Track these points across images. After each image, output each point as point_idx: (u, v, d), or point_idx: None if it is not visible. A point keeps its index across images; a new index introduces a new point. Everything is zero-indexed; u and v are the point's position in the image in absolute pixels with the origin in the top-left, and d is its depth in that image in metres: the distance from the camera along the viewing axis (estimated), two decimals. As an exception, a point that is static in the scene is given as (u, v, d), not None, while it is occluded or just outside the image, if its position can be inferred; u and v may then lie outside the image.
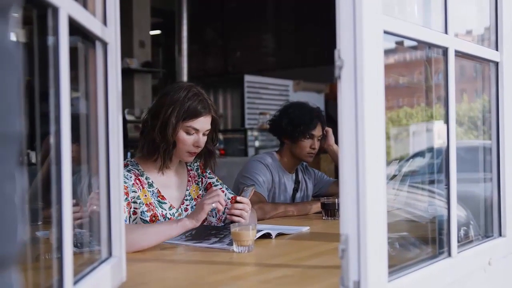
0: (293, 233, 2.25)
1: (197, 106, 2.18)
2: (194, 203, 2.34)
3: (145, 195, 2.18)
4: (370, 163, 1.16)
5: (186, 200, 2.33)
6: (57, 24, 1.00)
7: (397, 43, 1.46)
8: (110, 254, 1.37)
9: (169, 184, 2.29)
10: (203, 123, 2.21)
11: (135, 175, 2.17)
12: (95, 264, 1.29)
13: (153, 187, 2.22)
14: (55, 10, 1.00)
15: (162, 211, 2.20)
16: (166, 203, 2.23)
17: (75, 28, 1.12)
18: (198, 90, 2.24)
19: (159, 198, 2.22)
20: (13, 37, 0.54)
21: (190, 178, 2.38)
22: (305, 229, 2.34)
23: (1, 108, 0.51)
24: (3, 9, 0.52)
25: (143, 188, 2.18)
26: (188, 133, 2.19)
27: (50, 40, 1.01)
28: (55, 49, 1.01)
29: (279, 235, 2.17)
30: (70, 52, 1.05)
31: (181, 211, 2.29)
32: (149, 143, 2.20)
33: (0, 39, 0.51)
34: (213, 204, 1.98)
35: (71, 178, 1.03)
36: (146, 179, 2.22)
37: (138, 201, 2.14)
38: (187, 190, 2.34)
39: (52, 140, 1.01)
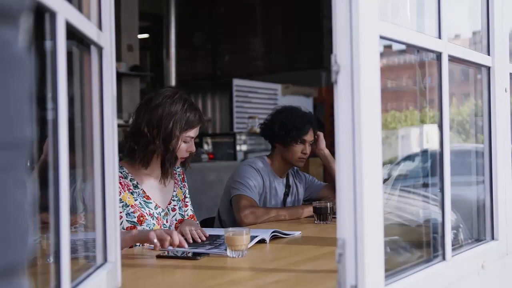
0: (287, 236, 2.25)
1: (195, 117, 2.29)
2: (181, 204, 2.43)
3: (129, 197, 2.23)
4: (367, 167, 1.16)
5: (174, 200, 2.41)
6: (54, 29, 1.00)
7: (385, 46, 1.46)
8: (105, 259, 1.36)
9: (155, 186, 2.35)
10: (197, 130, 2.34)
11: None
12: (91, 270, 1.28)
13: (139, 188, 2.28)
14: (53, 15, 0.99)
15: (149, 211, 2.27)
16: (151, 202, 2.29)
17: (71, 33, 1.11)
18: (190, 100, 2.34)
19: (144, 198, 2.28)
20: (22, 43, 0.54)
21: (176, 181, 2.46)
22: (297, 233, 2.34)
23: (12, 115, 0.51)
24: (13, 16, 0.52)
25: (124, 190, 2.23)
26: (185, 142, 2.29)
27: (47, 44, 1.01)
28: (52, 54, 1.00)
29: (274, 238, 2.17)
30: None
31: (168, 210, 2.36)
32: (149, 154, 2.26)
33: (10, 45, 0.51)
34: (155, 240, 1.91)
35: (68, 184, 1.02)
36: (130, 180, 2.28)
37: (121, 203, 2.19)
38: (174, 191, 2.42)
39: (50, 144, 1.00)
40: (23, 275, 0.54)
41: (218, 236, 2.18)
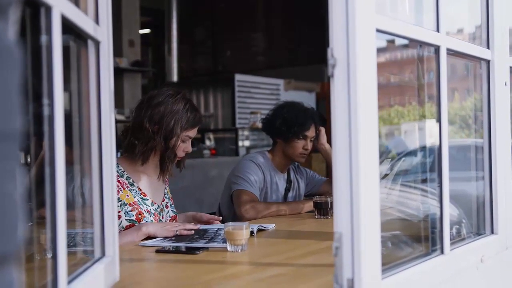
0: (267, 228, 2.31)
1: (196, 117, 2.33)
2: (171, 202, 2.48)
3: (127, 195, 2.26)
4: (363, 161, 1.16)
5: (166, 197, 2.45)
6: (50, 23, 1.00)
7: (388, 41, 1.46)
8: (103, 253, 1.36)
9: (149, 183, 2.38)
10: (196, 131, 2.37)
11: None
12: (89, 263, 1.29)
13: (134, 186, 2.31)
14: (48, 9, 0.99)
15: (146, 208, 2.29)
16: (148, 199, 2.32)
17: (67, 27, 1.11)
18: (192, 101, 2.37)
19: (141, 195, 2.31)
20: (12, 35, 0.54)
21: (166, 179, 2.49)
22: (272, 226, 2.38)
23: (1, 106, 0.51)
24: (2, 8, 0.52)
25: (124, 188, 2.25)
26: (183, 141, 2.32)
27: (43, 39, 1.01)
28: (48, 48, 1.00)
29: (259, 231, 2.22)
30: (62, 51, 1.04)
31: (163, 207, 2.40)
32: (149, 150, 2.28)
33: (0, 37, 0.51)
34: (177, 232, 2.13)
35: (65, 179, 1.03)
36: (126, 179, 2.30)
37: (119, 202, 2.21)
38: (165, 188, 2.46)
39: (45, 140, 1.00)
40: (13, 265, 0.54)
41: (206, 230, 2.20)
